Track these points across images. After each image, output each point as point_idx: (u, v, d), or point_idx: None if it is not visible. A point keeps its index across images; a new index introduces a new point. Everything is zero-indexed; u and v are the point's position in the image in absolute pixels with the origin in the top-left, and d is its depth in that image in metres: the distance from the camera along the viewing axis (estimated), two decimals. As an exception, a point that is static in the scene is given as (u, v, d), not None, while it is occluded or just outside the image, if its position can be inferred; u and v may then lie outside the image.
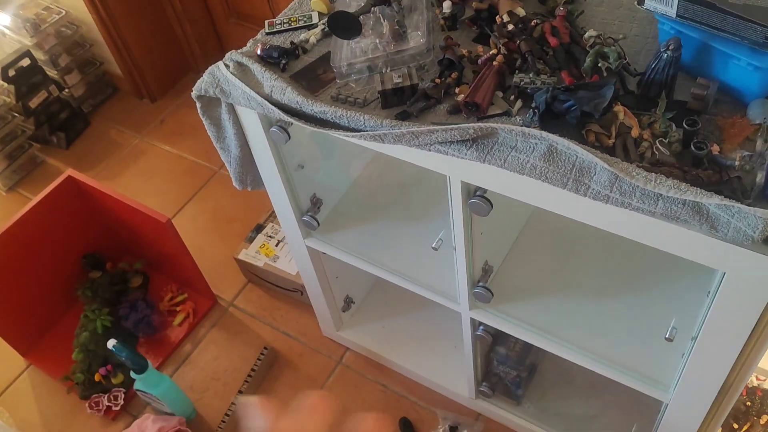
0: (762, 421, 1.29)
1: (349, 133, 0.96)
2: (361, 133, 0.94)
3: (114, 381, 1.67)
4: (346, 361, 1.69)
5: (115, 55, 2.32)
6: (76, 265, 1.82)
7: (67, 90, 2.32)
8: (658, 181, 0.77)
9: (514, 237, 1.29)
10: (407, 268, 1.30)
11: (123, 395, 1.66)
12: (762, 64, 0.81)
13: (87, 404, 1.65)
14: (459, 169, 0.94)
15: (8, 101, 2.15)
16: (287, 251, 1.76)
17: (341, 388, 1.64)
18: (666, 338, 0.99)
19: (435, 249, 1.16)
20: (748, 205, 0.74)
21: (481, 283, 1.17)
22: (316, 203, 1.35)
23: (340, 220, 1.38)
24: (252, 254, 1.78)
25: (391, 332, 1.66)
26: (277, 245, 1.78)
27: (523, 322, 1.19)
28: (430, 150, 0.92)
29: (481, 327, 1.28)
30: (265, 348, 1.68)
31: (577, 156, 0.83)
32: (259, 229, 1.83)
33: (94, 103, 2.44)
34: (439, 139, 0.90)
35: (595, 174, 0.82)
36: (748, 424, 1.30)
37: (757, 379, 1.30)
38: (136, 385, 1.54)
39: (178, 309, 1.81)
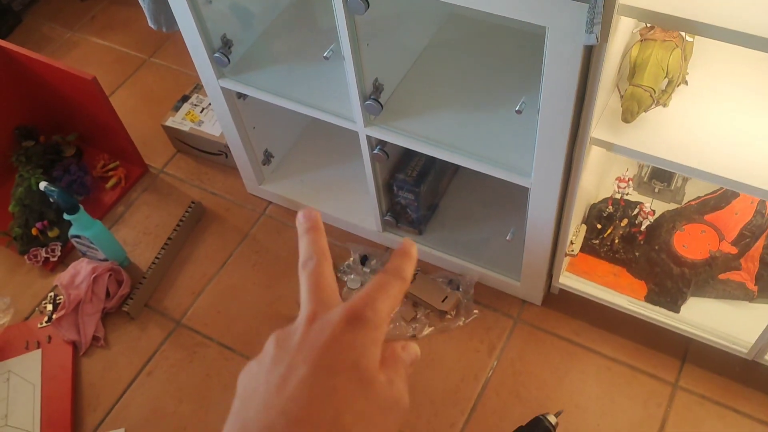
0: (622, 223, 1.49)
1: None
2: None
3: (50, 234, 1.78)
4: (269, 212, 1.84)
5: (42, -49, 2.37)
6: (8, 136, 1.91)
7: (-5, -14, 2.36)
8: (485, -58, 0.93)
9: (407, 65, 1.44)
10: (312, 96, 1.44)
11: (60, 248, 1.78)
12: None
13: (26, 257, 1.77)
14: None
15: (-65, -9, 2.19)
16: (211, 117, 1.88)
17: (265, 235, 1.79)
18: (516, 111, 1.17)
19: (326, 58, 1.30)
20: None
21: (372, 96, 1.33)
22: (227, 43, 1.47)
23: (253, 61, 1.51)
24: (178, 120, 1.90)
25: (309, 184, 1.81)
26: (201, 112, 1.90)
27: (410, 133, 1.36)
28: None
29: (378, 146, 1.44)
30: (193, 202, 1.82)
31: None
32: (184, 99, 1.95)
33: (23, 2, 2.49)
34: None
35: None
36: (611, 227, 1.50)
37: (618, 187, 1.50)
38: (71, 231, 1.66)
39: (110, 174, 1.93)
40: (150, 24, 1.41)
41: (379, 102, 1.33)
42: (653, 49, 1.13)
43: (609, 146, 1.16)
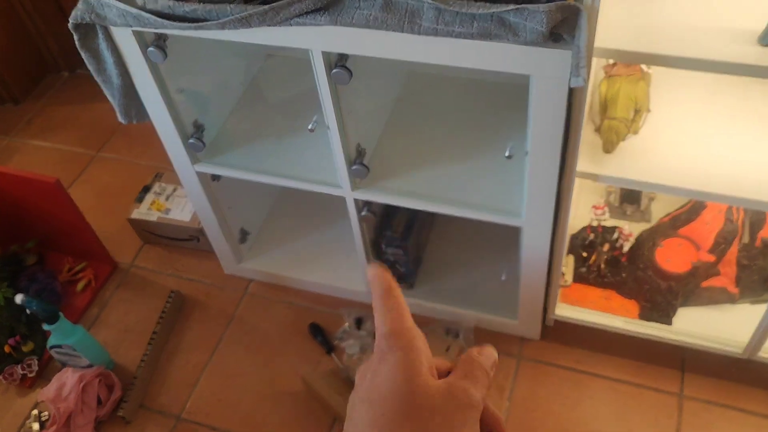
0: (605, 248, 1.56)
1: (218, 25, 1.12)
2: (229, 19, 1.10)
3: (24, 349, 1.69)
4: (251, 290, 1.81)
5: (-31, 60, 2.31)
6: (-36, 253, 1.82)
7: None
8: (470, 5, 0.99)
9: (381, 125, 1.49)
10: (293, 169, 1.46)
11: (36, 362, 1.69)
12: None
13: (1, 377, 1.67)
14: (318, 39, 1.12)
15: None
16: (178, 203, 1.86)
17: (250, 313, 1.76)
18: (506, 156, 1.22)
19: (311, 131, 1.33)
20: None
21: (357, 161, 1.36)
22: (199, 128, 1.48)
23: (225, 143, 1.52)
24: (144, 211, 1.86)
25: (288, 255, 1.80)
26: (166, 200, 1.88)
27: (397, 191, 1.39)
28: (291, 25, 1.09)
29: (365, 208, 1.46)
30: (172, 292, 1.77)
31: (408, 2, 1.03)
32: (146, 189, 1.92)
33: (-48, 114, 2.41)
34: (297, 11, 1.07)
35: (423, 13, 1.02)
36: (595, 253, 1.56)
37: (595, 214, 1.57)
38: (50, 341, 1.58)
39: (78, 277, 1.86)
40: (120, 118, 1.40)
41: (365, 165, 1.36)
42: (621, 84, 1.22)
43: (594, 177, 1.23)
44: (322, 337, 1.66)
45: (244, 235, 1.79)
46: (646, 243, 1.53)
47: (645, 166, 1.22)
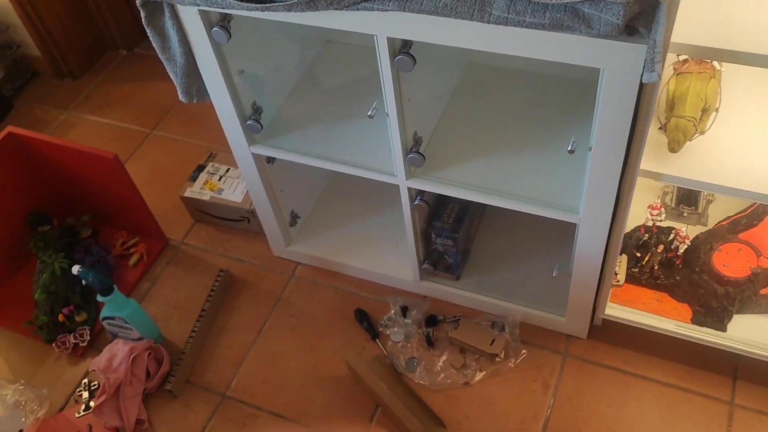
0: (659, 249, 1.53)
1: (286, 7, 1.12)
2: (296, 1, 1.10)
3: (78, 319, 1.73)
4: (299, 273, 1.83)
5: (33, 36, 2.37)
6: (22, 224, 1.87)
7: (-14, 74, 2.35)
8: (543, -6, 0.97)
9: (438, 114, 1.48)
10: (348, 155, 1.46)
11: (89, 332, 1.73)
12: None
13: (54, 345, 1.71)
14: (384, 25, 1.11)
15: (-71, 84, 2.16)
16: (230, 183, 1.88)
17: (297, 296, 1.78)
18: (568, 151, 1.20)
19: (371, 117, 1.33)
20: (612, 0, 0.95)
21: (413, 149, 1.35)
22: (257, 110, 1.49)
23: (282, 125, 1.53)
24: (197, 191, 1.89)
25: (337, 240, 1.81)
26: (219, 180, 1.90)
27: (452, 181, 1.38)
28: (358, 9, 1.09)
29: (418, 197, 1.46)
30: (221, 271, 1.79)
31: (478, -10, 1.02)
32: (200, 168, 1.94)
33: (14, 87, 2.47)
34: (365, -4, 1.07)
35: (495, 1, 1.01)
36: (649, 253, 1.53)
37: (650, 214, 1.54)
38: (103, 312, 1.62)
39: (131, 251, 1.90)
40: (181, 97, 1.41)
41: (421, 154, 1.35)
42: (691, 81, 1.18)
43: (658, 176, 1.20)
44: (367, 323, 1.66)
45: (294, 218, 1.81)
46: (702, 246, 1.50)
47: (710, 167, 1.19)
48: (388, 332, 1.65)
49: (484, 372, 1.57)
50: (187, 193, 1.89)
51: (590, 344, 1.60)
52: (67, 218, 1.94)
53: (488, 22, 1.02)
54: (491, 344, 1.58)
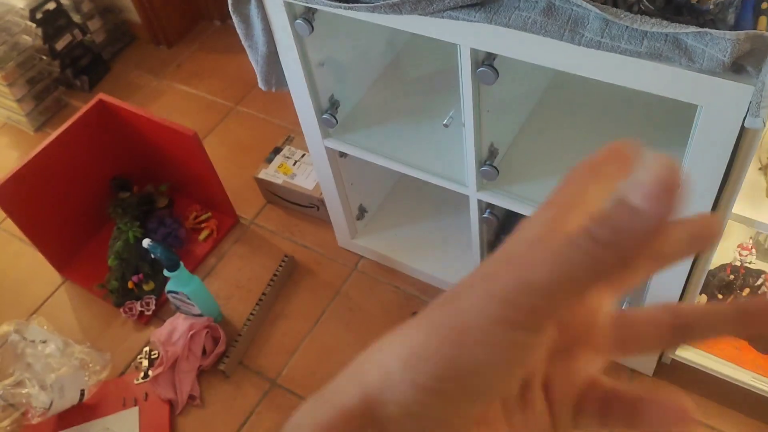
0: (744, 293, 1.41)
1: (369, 8, 1.08)
2: (381, 3, 1.06)
3: (145, 288, 1.79)
4: (361, 267, 1.81)
5: (135, 2, 2.43)
6: (105, 187, 1.94)
7: (89, 35, 2.43)
8: (643, 20, 0.89)
9: (518, 126, 1.41)
10: (420, 159, 1.42)
11: (154, 302, 1.78)
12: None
13: (121, 310, 1.78)
14: (468, 35, 1.05)
15: (36, 43, 2.26)
16: (304, 169, 1.88)
17: (357, 291, 1.76)
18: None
19: (446, 126, 1.28)
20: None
21: (488, 162, 1.30)
22: (334, 104, 1.46)
23: (357, 121, 1.50)
24: (271, 173, 1.90)
25: (402, 239, 1.78)
26: (294, 164, 1.90)
27: (525, 198, 1.31)
28: (442, 17, 1.04)
29: (488, 210, 1.40)
30: (286, 256, 1.80)
31: (572, 9, 0.95)
32: (276, 151, 1.95)
33: (113, 50, 2.55)
34: (451, 5, 1.01)
35: (588, 23, 0.94)
36: (732, 296, 1.42)
37: (740, 255, 1.42)
38: (168, 286, 1.66)
39: (202, 226, 1.93)
40: (260, 84, 1.41)
41: (495, 167, 1.29)
42: (803, 123, 1.06)
43: (751, 223, 1.10)
44: (423, 329, 1.63)
45: (362, 212, 1.79)
46: (795, 297, 1.37)
47: (814, 218, 1.08)
48: (444, 341, 1.61)
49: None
50: (261, 175, 1.91)
51: (655, 382, 1.51)
52: (146, 186, 1.99)
53: (578, 44, 0.95)
54: (548, 368, 1.51)
